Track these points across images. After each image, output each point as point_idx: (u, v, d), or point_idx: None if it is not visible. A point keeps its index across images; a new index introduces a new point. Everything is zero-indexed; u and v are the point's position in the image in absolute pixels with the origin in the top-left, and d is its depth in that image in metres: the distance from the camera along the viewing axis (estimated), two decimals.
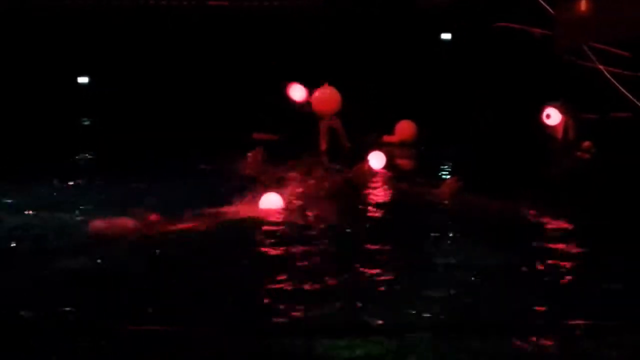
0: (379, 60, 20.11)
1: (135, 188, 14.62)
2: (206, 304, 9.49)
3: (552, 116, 17.40)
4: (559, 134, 17.43)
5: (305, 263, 11.07)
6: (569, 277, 10.62)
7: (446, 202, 14.04)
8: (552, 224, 13.01)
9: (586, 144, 17.16)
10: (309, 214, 13.22)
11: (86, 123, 21.16)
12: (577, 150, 16.97)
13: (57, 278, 10.41)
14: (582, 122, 17.13)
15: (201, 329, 8.57)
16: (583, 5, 18.33)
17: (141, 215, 12.30)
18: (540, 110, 17.37)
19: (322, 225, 12.75)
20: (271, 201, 13.42)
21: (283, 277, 10.42)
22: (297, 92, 17.57)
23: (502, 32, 18.67)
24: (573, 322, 8.90)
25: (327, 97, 17.57)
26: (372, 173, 16.15)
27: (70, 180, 15.07)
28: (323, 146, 17.53)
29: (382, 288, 10.16)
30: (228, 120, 19.37)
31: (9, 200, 13.95)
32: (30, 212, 13.17)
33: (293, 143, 17.67)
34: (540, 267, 11.00)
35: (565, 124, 17.39)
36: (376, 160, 16.52)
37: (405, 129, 19.18)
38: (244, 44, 20.99)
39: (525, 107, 17.73)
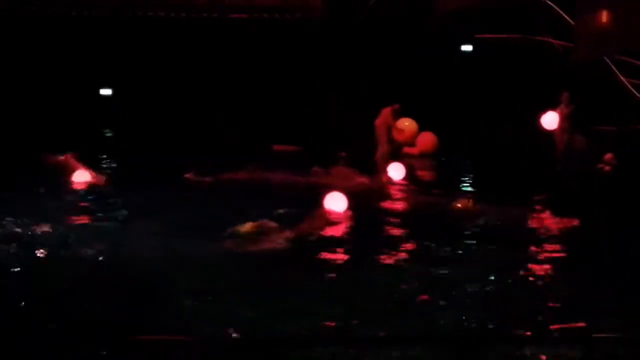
0: (400, 73, 20.11)
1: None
2: None
3: (549, 121, 17.27)
4: (559, 140, 17.27)
5: None
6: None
7: (462, 219, 14.08)
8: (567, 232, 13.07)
9: (608, 156, 17.03)
10: None
11: (108, 134, 21.32)
12: (598, 162, 16.85)
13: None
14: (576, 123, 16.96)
15: None
16: (604, 17, 18.27)
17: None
18: (539, 116, 17.29)
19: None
20: (336, 201, 14.16)
21: None
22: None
23: (522, 44, 18.66)
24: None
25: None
26: (392, 184, 16.17)
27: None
28: (382, 150, 17.60)
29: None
30: (248, 131, 19.43)
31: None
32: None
33: (315, 154, 17.73)
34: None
35: (564, 130, 17.19)
36: (395, 171, 16.55)
37: (425, 140, 19.20)
38: (263, 56, 21.04)
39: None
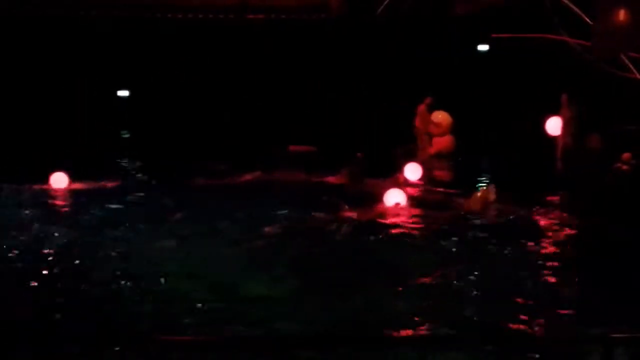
0: (416, 73, 20.08)
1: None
2: None
3: (553, 126, 17.17)
4: (560, 144, 17.15)
5: None
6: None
7: (479, 211, 14.13)
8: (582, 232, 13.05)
9: (626, 155, 16.91)
10: None
11: (126, 135, 21.41)
12: (615, 162, 16.74)
13: None
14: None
15: None
16: (621, 16, 18.16)
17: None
18: (544, 121, 17.21)
19: None
20: (395, 197, 14.76)
21: None
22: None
23: (539, 43, 18.56)
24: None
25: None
26: (407, 184, 16.16)
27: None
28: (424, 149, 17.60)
29: None
30: (264, 133, 19.48)
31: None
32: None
33: (331, 154, 17.75)
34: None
35: (567, 133, 17.05)
36: (412, 172, 16.51)
37: (442, 140, 19.15)
38: (280, 57, 21.06)
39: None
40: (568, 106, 17.13)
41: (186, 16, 21.84)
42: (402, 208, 14.68)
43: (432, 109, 17.88)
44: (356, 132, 18.68)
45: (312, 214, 13.94)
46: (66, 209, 14.91)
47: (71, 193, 15.68)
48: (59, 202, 15.26)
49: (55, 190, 15.77)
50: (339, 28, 21.38)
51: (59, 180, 16.03)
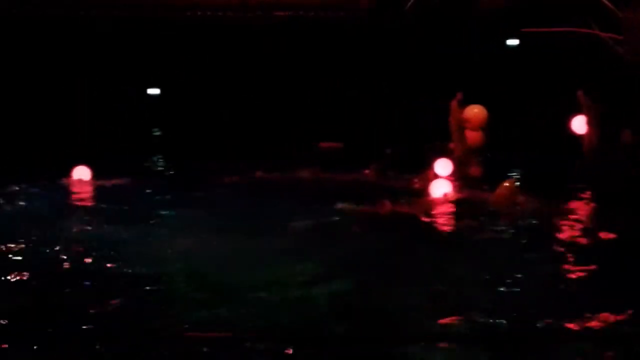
0: (444, 69, 20.08)
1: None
2: None
3: (578, 125, 16.96)
4: (586, 142, 16.90)
5: None
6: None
7: (503, 205, 14.13)
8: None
9: None
10: None
11: (157, 133, 21.56)
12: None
13: None
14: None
15: None
16: None
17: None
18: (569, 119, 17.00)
19: None
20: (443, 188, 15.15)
21: None
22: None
23: (569, 37, 18.47)
24: None
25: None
26: (438, 180, 16.16)
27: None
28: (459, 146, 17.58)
29: None
30: (294, 130, 19.54)
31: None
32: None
33: (358, 150, 17.78)
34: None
35: (593, 130, 16.80)
36: (442, 167, 16.51)
37: (472, 136, 19.09)
38: (308, 53, 21.13)
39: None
40: (589, 102, 16.86)
41: (215, 14, 21.97)
42: (450, 198, 14.81)
43: (463, 104, 17.79)
44: (386, 128, 18.71)
45: (356, 207, 13.87)
46: (91, 203, 15.02)
47: (97, 188, 15.79)
48: (83, 196, 15.40)
49: (79, 184, 15.91)
50: (366, 24, 21.39)
51: (81, 174, 16.18)
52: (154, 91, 22.39)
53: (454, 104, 17.71)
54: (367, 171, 16.65)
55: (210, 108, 21.08)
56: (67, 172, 16.03)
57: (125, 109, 20.94)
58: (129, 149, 18.49)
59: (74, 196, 15.40)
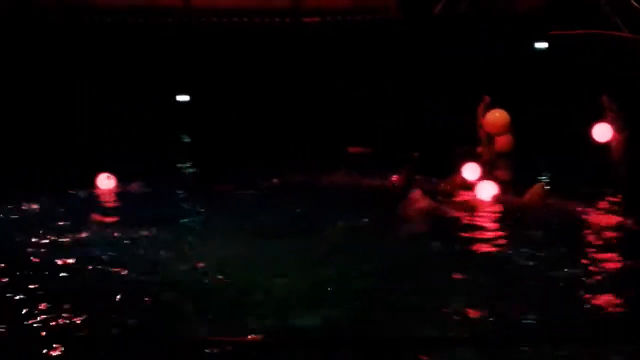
0: (474, 72, 20.00)
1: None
2: None
3: (601, 133, 16.59)
4: (614, 149, 16.59)
5: None
6: None
7: (532, 209, 14.09)
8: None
9: None
10: None
11: (186, 140, 21.68)
12: None
13: None
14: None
15: None
16: None
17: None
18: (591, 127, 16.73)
19: None
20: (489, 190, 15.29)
21: None
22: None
23: (597, 39, 18.33)
24: None
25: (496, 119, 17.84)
26: (466, 184, 16.11)
27: None
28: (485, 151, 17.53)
29: None
30: (322, 135, 19.57)
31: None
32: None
33: (386, 155, 17.77)
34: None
35: (620, 136, 16.46)
36: (470, 171, 16.45)
37: (501, 139, 19.00)
38: (337, 59, 21.15)
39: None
40: (614, 107, 16.47)
41: (242, 20, 22.03)
42: (496, 199, 14.95)
43: (489, 107, 17.69)
44: (413, 132, 18.68)
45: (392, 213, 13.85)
46: (122, 208, 15.12)
47: (126, 194, 15.90)
48: (114, 201, 15.53)
49: (103, 191, 16.05)
50: (396, 28, 21.36)
51: (108, 181, 16.33)
52: (182, 98, 22.50)
53: (480, 107, 17.63)
54: (394, 176, 16.62)
55: (239, 114, 21.16)
56: (95, 179, 16.21)
57: (154, 116, 21.08)
58: (158, 155, 18.62)
59: (103, 201, 15.54)
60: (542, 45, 21.53)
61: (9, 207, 14.80)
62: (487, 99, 17.32)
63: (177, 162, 18.97)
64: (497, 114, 17.99)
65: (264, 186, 16.36)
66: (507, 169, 17.85)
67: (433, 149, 17.42)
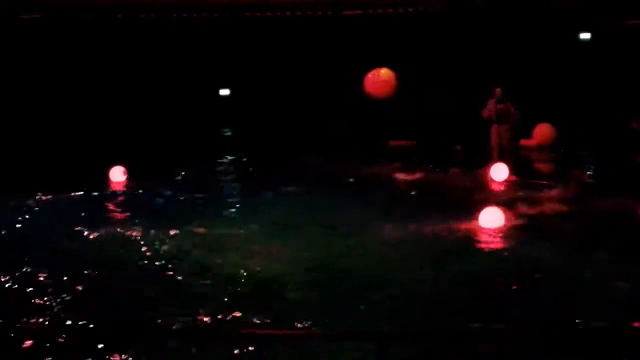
0: (517, 64, 19.82)
1: None
2: None
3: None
4: None
5: None
6: None
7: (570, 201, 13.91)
8: None
9: None
10: None
11: (228, 133, 21.81)
12: None
13: None
14: None
15: None
16: None
17: None
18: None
19: None
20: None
21: None
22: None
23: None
24: None
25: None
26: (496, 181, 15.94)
27: None
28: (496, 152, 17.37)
29: None
30: (366, 129, 19.58)
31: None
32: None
33: (428, 149, 17.75)
34: None
35: None
36: (498, 171, 16.19)
37: (543, 132, 18.89)
38: (378, 51, 21.08)
39: None
40: None
41: (284, 14, 22.05)
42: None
43: (502, 101, 17.18)
44: (455, 125, 18.61)
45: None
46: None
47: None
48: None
49: (118, 185, 16.13)
50: (438, 20, 21.23)
51: (118, 175, 16.44)
52: (224, 92, 22.64)
53: (492, 101, 17.07)
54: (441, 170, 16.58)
55: (282, 107, 21.22)
56: (133, 172, 16.37)
57: (196, 110, 21.22)
58: (199, 149, 18.75)
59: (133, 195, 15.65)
60: (585, 35, 21.30)
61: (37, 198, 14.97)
62: (498, 91, 16.92)
63: (219, 156, 19.02)
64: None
65: (346, 182, 16.19)
66: (549, 160, 17.71)
67: (475, 142, 17.32)
